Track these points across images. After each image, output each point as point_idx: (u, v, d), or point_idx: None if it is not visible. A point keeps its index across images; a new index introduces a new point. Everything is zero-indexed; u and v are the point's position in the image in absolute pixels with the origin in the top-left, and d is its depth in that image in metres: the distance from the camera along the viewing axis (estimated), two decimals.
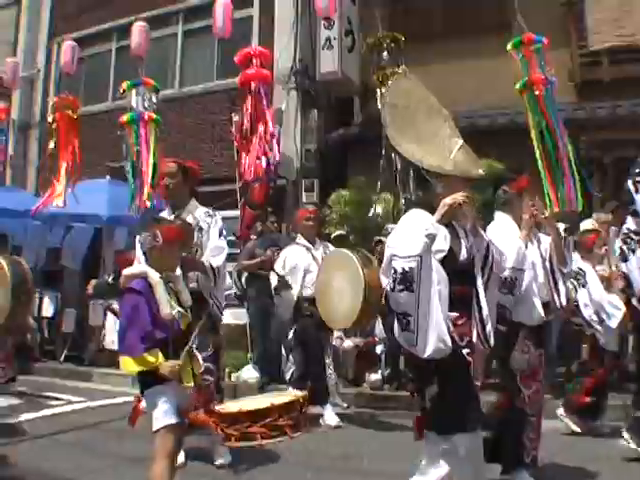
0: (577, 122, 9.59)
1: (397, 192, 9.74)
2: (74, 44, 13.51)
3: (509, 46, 9.08)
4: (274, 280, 8.05)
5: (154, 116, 10.71)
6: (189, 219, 5.86)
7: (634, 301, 6.05)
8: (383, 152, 9.68)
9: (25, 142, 18.26)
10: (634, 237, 5.83)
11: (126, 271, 4.19)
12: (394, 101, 4.29)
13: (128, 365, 3.88)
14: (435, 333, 3.52)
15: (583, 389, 7.04)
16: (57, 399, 9.07)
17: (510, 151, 10.59)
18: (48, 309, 12.61)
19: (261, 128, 10.97)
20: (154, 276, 4.02)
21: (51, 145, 11.27)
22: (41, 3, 18.66)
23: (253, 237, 10.62)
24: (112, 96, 16.62)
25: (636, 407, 6.23)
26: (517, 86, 8.49)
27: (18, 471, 5.51)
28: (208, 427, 3.90)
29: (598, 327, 6.90)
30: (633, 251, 5.79)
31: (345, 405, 8.44)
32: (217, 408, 3.75)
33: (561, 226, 5.26)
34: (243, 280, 10.17)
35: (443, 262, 3.68)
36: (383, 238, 8.70)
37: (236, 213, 11.76)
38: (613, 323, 6.81)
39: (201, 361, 4.24)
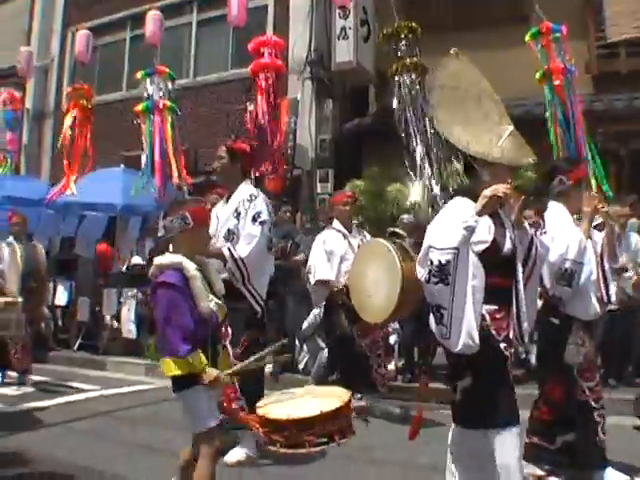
0: (594, 114, 9.52)
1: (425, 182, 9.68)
2: (88, 33, 13.49)
3: (527, 37, 9.05)
4: (316, 264, 7.59)
5: (169, 104, 10.70)
6: (232, 204, 5.73)
7: None
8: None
9: (39, 131, 18.32)
10: None
11: (158, 261, 3.78)
12: (443, 82, 4.05)
13: (171, 368, 3.59)
14: (465, 329, 3.43)
15: None
16: (71, 387, 9.07)
17: (527, 141, 10.53)
18: (62, 298, 12.63)
19: (275, 118, 10.95)
20: (190, 267, 3.69)
21: (67, 134, 11.28)
22: None
23: None
24: (126, 85, 16.63)
25: None
26: (537, 76, 8.45)
27: (32, 459, 5.50)
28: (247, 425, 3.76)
29: None
30: None
31: (359, 396, 8.40)
32: (261, 412, 3.47)
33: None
34: None
35: (485, 252, 3.57)
36: (397, 230, 8.66)
37: None
38: None
39: (232, 357, 4.09)
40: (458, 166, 11.14)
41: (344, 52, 13.13)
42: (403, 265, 5.21)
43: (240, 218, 5.59)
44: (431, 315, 3.62)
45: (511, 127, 3.84)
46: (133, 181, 11.13)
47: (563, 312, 4.77)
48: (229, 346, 4.87)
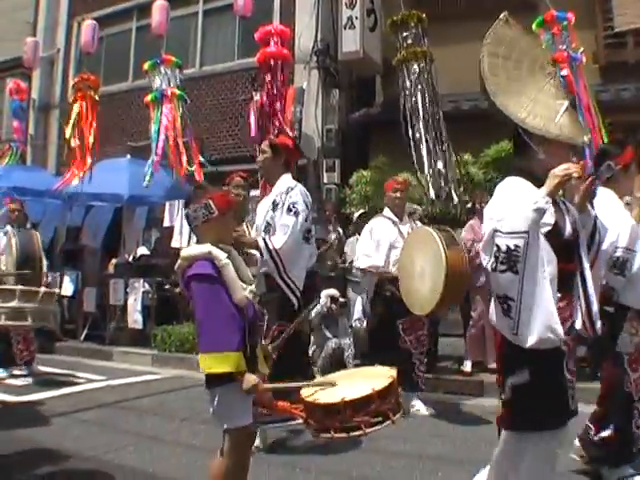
0: (601, 104, 9.45)
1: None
2: (94, 23, 13.45)
3: (534, 25, 9.00)
4: (361, 252, 7.43)
5: (177, 92, 10.69)
6: (271, 196, 5.72)
7: None
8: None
9: (45, 122, 18.31)
10: None
11: (186, 252, 3.60)
12: (495, 50, 3.72)
13: (212, 365, 3.37)
14: (543, 321, 3.14)
15: None
16: (78, 378, 9.09)
17: None
18: (68, 288, 12.64)
19: (280, 107, 10.93)
20: (221, 256, 3.51)
21: (70, 124, 11.29)
22: None
23: None
24: (132, 76, 16.61)
25: None
26: None
27: (38, 449, 5.51)
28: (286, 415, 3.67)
29: None
30: None
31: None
32: (310, 399, 3.25)
33: None
34: None
35: (546, 237, 3.27)
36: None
37: (257, 193, 11.72)
38: None
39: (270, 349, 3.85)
40: (466, 157, 11.12)
41: (351, 42, 13.07)
42: (448, 254, 5.05)
43: (277, 209, 5.58)
44: (495, 306, 3.40)
45: (567, 102, 3.58)
46: (139, 171, 11.13)
47: (616, 301, 4.55)
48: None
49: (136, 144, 13.94)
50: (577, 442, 4.76)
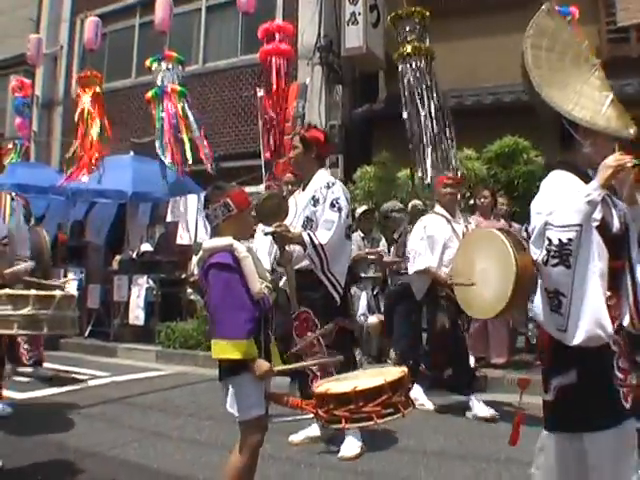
0: None
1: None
2: (97, 20, 13.48)
3: None
4: (415, 252, 7.06)
5: (178, 88, 10.70)
6: (309, 191, 5.63)
7: None
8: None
9: (49, 118, 18.35)
10: None
11: (208, 244, 3.68)
12: (538, 42, 3.64)
13: (224, 351, 3.41)
14: (592, 317, 3.07)
15: None
16: (82, 374, 9.10)
17: (536, 127, 10.50)
18: (72, 284, 12.64)
19: (282, 103, 10.95)
20: (241, 249, 3.58)
21: (79, 120, 11.32)
22: None
23: None
24: (136, 72, 16.62)
25: None
26: None
27: (43, 445, 5.53)
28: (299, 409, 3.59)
29: None
30: None
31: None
32: (322, 389, 3.29)
33: None
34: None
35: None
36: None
37: (261, 188, 11.74)
38: None
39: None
40: (469, 152, 11.08)
41: (354, 37, 13.08)
42: (518, 258, 4.91)
43: (318, 205, 5.50)
44: (543, 302, 3.32)
45: (612, 94, 3.49)
46: (143, 168, 11.15)
47: None
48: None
49: (139, 140, 13.96)
50: None
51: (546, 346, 3.41)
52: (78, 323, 6.47)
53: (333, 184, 5.56)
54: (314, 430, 5.60)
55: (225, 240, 3.61)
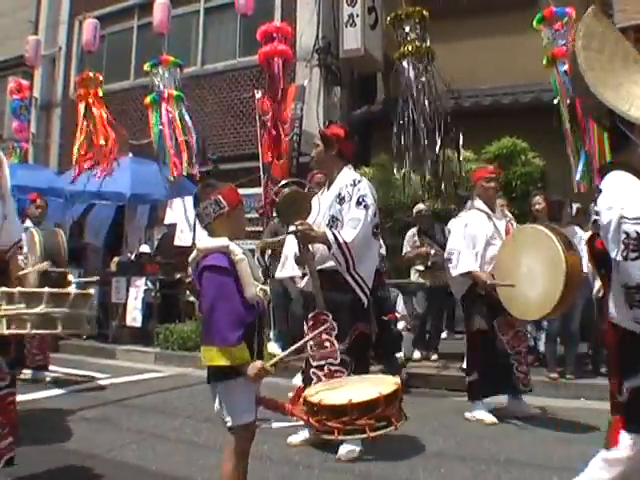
0: None
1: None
2: (96, 22, 13.49)
3: (534, 23, 9.02)
4: (458, 253, 6.77)
5: (175, 93, 10.71)
6: (334, 189, 5.47)
7: None
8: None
9: (47, 120, 18.36)
10: None
11: (202, 244, 3.53)
12: (588, 43, 3.56)
13: (214, 358, 3.31)
14: None
15: None
16: (81, 376, 9.10)
17: (535, 128, 10.54)
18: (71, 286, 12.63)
19: (281, 105, 10.97)
20: (237, 250, 3.44)
21: (82, 122, 11.34)
22: None
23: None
24: (134, 74, 16.63)
25: None
26: (544, 62, 8.42)
27: (41, 447, 5.52)
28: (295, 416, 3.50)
29: None
30: None
31: None
32: (315, 399, 3.24)
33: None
34: (266, 257, 10.07)
35: None
36: None
37: (260, 190, 11.76)
38: None
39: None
40: (467, 153, 11.04)
41: (352, 39, 13.11)
42: (568, 258, 4.85)
43: (344, 203, 5.32)
44: (623, 299, 3.16)
45: None
46: (141, 170, 11.16)
47: None
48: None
49: (138, 142, 13.96)
50: None
51: (617, 346, 3.32)
52: (95, 322, 6.18)
53: (359, 181, 5.38)
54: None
55: (220, 241, 3.48)
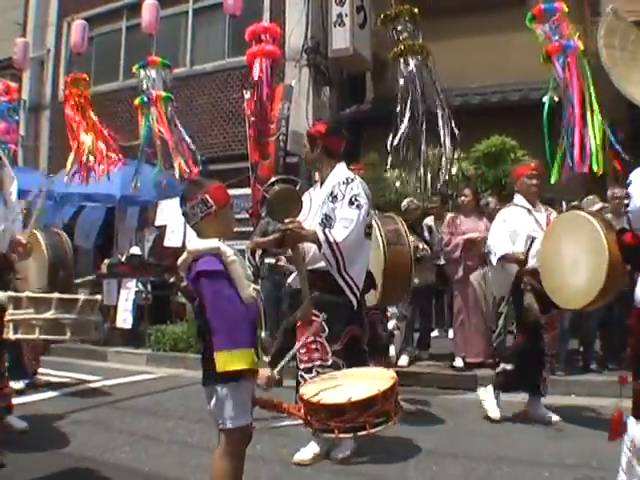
0: None
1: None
2: (84, 23, 13.39)
3: (527, 23, 9.03)
4: (496, 243, 6.59)
5: (163, 94, 10.67)
6: (326, 187, 5.34)
7: None
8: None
9: (36, 122, 18.30)
10: None
11: (192, 247, 3.42)
12: (610, 41, 3.67)
13: (230, 363, 3.18)
14: None
15: None
16: (73, 378, 9.09)
17: (524, 127, 10.56)
18: None
19: (268, 106, 10.96)
20: (229, 252, 3.34)
21: (72, 124, 11.29)
22: None
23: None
24: (123, 75, 16.61)
25: None
26: (541, 60, 8.43)
27: (34, 449, 5.51)
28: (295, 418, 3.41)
29: None
30: None
31: None
32: (314, 400, 3.17)
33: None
34: (257, 257, 10.06)
35: None
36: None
37: (249, 191, 11.77)
38: None
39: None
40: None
41: (340, 39, 13.14)
42: (610, 243, 4.68)
43: (337, 202, 5.19)
44: None
45: None
46: (131, 172, 11.11)
47: None
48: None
49: (127, 144, 13.93)
50: None
51: (637, 340, 3.32)
52: (101, 327, 6.10)
53: (352, 180, 5.24)
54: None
55: (210, 243, 3.38)
